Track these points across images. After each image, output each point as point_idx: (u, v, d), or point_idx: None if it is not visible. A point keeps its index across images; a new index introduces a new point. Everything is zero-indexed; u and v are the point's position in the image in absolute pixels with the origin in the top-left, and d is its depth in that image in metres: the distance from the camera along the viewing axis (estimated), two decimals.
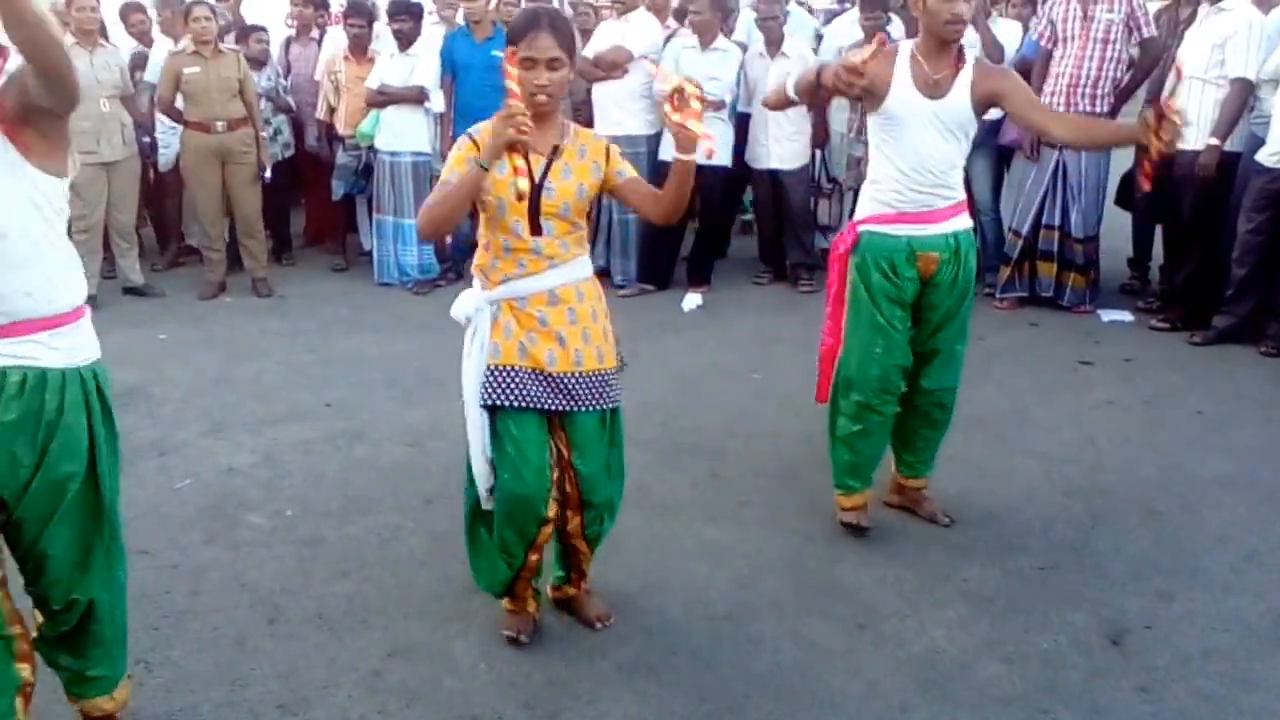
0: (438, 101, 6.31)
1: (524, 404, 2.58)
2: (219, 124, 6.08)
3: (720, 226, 6.75)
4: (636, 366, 5.00)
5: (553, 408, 2.61)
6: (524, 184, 2.47)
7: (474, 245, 2.78)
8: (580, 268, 2.65)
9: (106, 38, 6.19)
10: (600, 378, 2.64)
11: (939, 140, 3.06)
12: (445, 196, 2.48)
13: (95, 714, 2.37)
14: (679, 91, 2.41)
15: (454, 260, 6.52)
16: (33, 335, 2.06)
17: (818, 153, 6.62)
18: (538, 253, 2.56)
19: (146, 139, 6.53)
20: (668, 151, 6.10)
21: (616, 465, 2.80)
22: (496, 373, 2.58)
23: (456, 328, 2.71)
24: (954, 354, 3.31)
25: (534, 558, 2.72)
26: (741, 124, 6.28)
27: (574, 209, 2.57)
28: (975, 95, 3.03)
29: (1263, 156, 4.92)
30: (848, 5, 8.36)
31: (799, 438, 3.51)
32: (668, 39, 6.23)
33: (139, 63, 6.70)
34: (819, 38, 6.74)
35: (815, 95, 3.16)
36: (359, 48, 6.58)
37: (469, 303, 2.63)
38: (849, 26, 6.42)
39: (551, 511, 2.68)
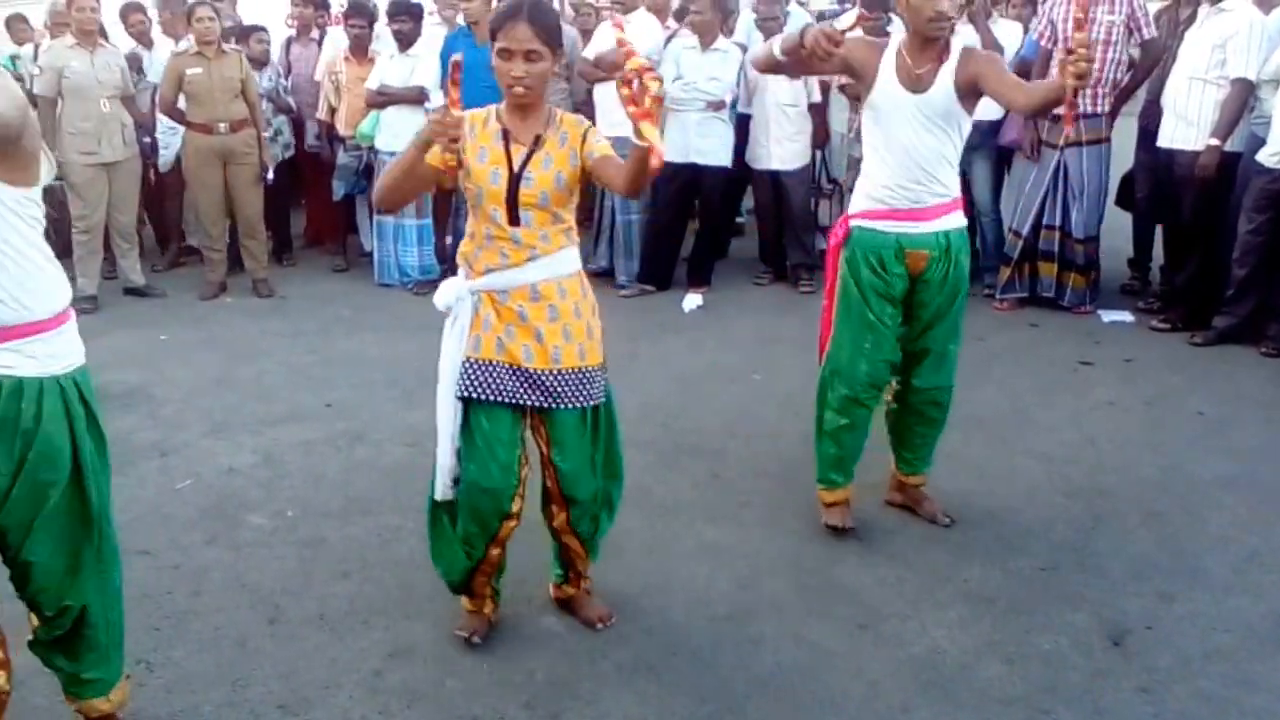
0: (438, 102, 6.31)
1: (498, 398, 2.58)
2: (221, 125, 6.08)
3: (721, 227, 6.76)
4: (637, 367, 5.03)
5: (529, 403, 2.60)
6: (503, 173, 2.47)
7: None
8: (563, 262, 2.61)
9: (106, 38, 6.19)
10: (581, 375, 2.62)
11: (924, 133, 3.04)
12: (388, 169, 2.54)
13: (93, 715, 2.37)
14: (638, 77, 2.13)
15: (454, 260, 6.51)
16: (8, 343, 2.04)
17: (818, 153, 6.63)
18: (518, 242, 2.54)
19: (147, 139, 6.53)
20: (668, 152, 6.11)
21: (609, 463, 2.78)
22: (473, 365, 2.58)
23: None
24: (946, 354, 3.30)
25: (495, 551, 2.71)
26: (742, 125, 6.29)
27: (553, 198, 2.53)
28: (958, 82, 3.00)
29: (1263, 157, 4.92)
30: (848, 5, 8.36)
31: (799, 438, 3.52)
32: (668, 39, 6.23)
33: (133, 64, 6.70)
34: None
35: (798, 56, 3.13)
36: (359, 48, 6.59)
37: (451, 292, 2.63)
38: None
39: (516, 507, 2.67)
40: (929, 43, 3.02)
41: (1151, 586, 3.08)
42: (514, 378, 2.58)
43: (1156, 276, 6.07)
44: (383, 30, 6.70)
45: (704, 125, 6.01)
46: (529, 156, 2.52)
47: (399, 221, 6.37)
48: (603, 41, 6.21)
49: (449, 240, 6.38)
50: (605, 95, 6.16)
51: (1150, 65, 5.62)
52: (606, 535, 2.91)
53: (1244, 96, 5.04)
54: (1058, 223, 5.62)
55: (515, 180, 2.50)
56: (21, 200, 2.03)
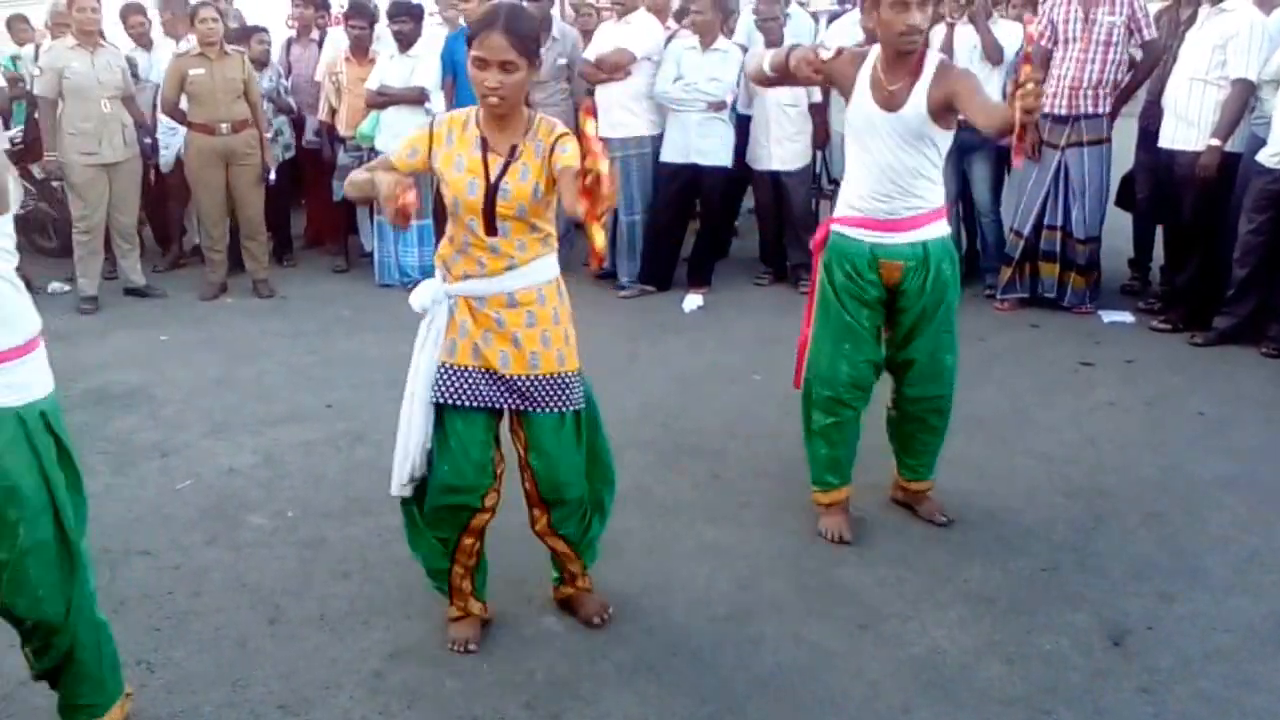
0: (438, 102, 6.31)
1: (474, 404, 2.58)
2: (223, 126, 6.09)
3: (721, 227, 6.76)
4: (637, 367, 5.03)
5: (505, 406, 2.60)
6: (479, 184, 2.46)
7: None
8: (541, 270, 2.58)
9: (104, 39, 6.19)
10: (559, 380, 2.60)
11: (899, 151, 3.02)
12: (357, 184, 2.56)
13: None
14: (597, 180, 2.04)
15: None
16: None
17: (819, 154, 6.63)
18: (495, 251, 2.52)
19: (148, 140, 6.54)
20: (668, 152, 6.15)
21: (596, 467, 2.78)
22: (448, 371, 2.58)
23: None
24: (939, 364, 3.25)
25: (468, 540, 2.70)
26: (742, 125, 6.29)
27: (530, 210, 2.50)
28: (932, 101, 2.96)
29: (1263, 157, 4.92)
30: (848, 6, 8.36)
31: (799, 439, 3.51)
32: (668, 40, 6.23)
33: (129, 67, 6.70)
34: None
35: (786, 74, 3.14)
36: (360, 49, 6.59)
37: (427, 294, 2.61)
38: (850, 28, 6.42)
39: (491, 501, 2.67)
40: (902, 56, 2.98)
41: (1152, 587, 3.08)
42: (490, 382, 2.58)
43: (1157, 277, 6.07)
44: (383, 31, 6.70)
45: (704, 126, 6.01)
46: (505, 167, 2.49)
47: None
48: (603, 42, 6.22)
49: None
50: (608, 96, 6.16)
51: (1150, 66, 5.62)
52: (600, 538, 2.91)
53: (1244, 97, 5.04)
54: (1059, 223, 5.62)
55: (492, 192, 2.48)
56: None
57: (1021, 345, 5.29)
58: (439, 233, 6.51)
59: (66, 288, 6.37)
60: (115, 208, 6.08)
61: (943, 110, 2.96)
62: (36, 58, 6.94)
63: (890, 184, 3.06)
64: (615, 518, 2.96)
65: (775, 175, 6.23)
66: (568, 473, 2.68)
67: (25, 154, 6.91)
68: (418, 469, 2.65)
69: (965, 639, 2.83)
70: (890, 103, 3.00)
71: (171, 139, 6.64)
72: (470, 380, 2.58)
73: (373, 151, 6.43)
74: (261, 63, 6.73)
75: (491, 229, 2.50)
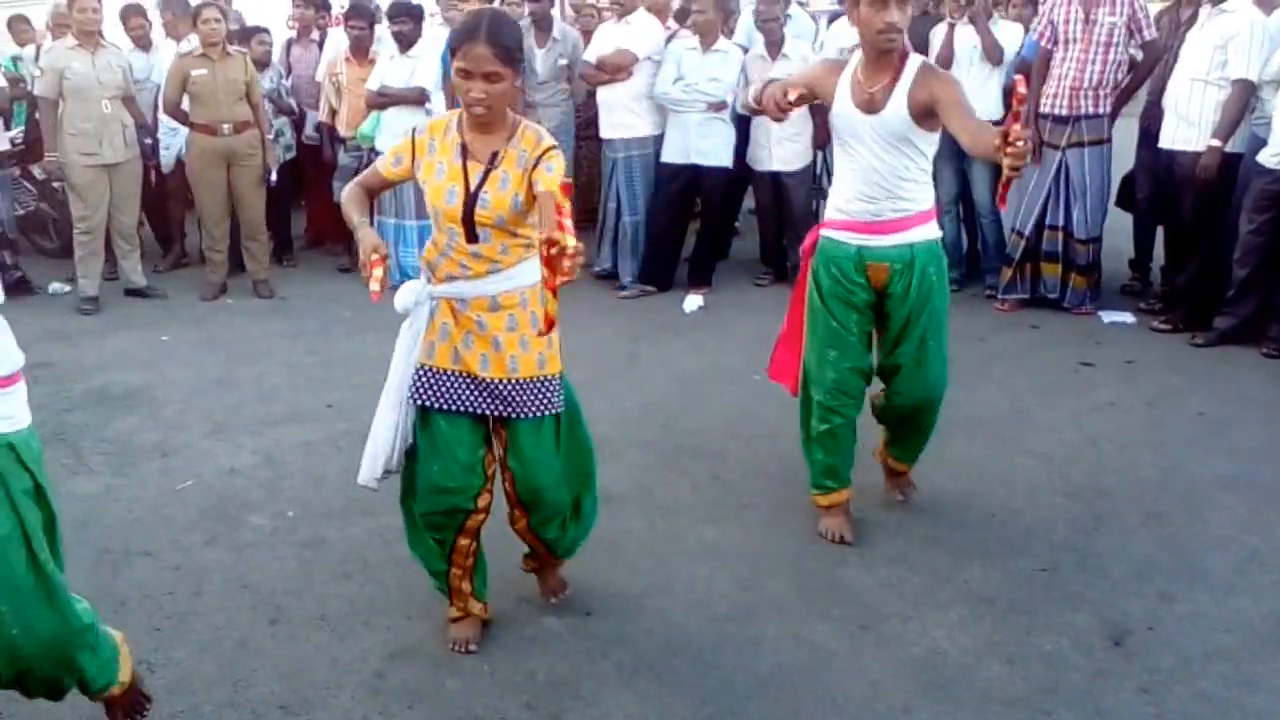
0: (439, 103, 6.32)
1: (452, 408, 2.59)
2: (225, 126, 6.09)
3: (721, 227, 6.76)
4: (638, 368, 5.03)
5: (484, 411, 2.60)
6: (459, 191, 2.46)
7: None
8: (525, 273, 2.57)
9: (104, 39, 6.19)
10: (539, 384, 2.60)
11: (881, 153, 3.02)
12: (346, 212, 2.60)
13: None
14: (562, 254, 1.98)
15: None
16: None
17: (819, 154, 6.62)
18: (478, 256, 2.52)
19: (148, 140, 6.54)
20: (669, 153, 6.15)
21: (578, 470, 2.78)
22: (428, 373, 2.59)
23: None
24: (925, 369, 3.23)
25: (464, 541, 2.71)
26: (743, 126, 6.28)
27: (509, 220, 2.49)
28: (912, 104, 2.94)
29: (1264, 157, 4.92)
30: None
31: (800, 439, 3.52)
32: (668, 40, 6.24)
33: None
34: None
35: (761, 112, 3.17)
36: (360, 49, 6.60)
37: (410, 295, 2.61)
38: (849, 28, 6.41)
39: (484, 502, 2.68)
40: (882, 56, 2.97)
41: (1152, 587, 3.08)
42: (469, 387, 2.58)
43: (1157, 277, 6.07)
44: (383, 31, 6.71)
45: (705, 126, 6.01)
46: (485, 175, 2.49)
47: (400, 222, 6.37)
48: (604, 43, 6.22)
49: None
50: (610, 97, 6.17)
51: (1151, 66, 5.62)
52: (580, 542, 2.91)
53: (1245, 97, 5.04)
54: (1061, 223, 5.62)
55: (471, 200, 2.48)
56: None
57: (1022, 345, 5.29)
58: None
59: (67, 288, 6.37)
60: (116, 208, 6.08)
61: (925, 114, 2.95)
62: (37, 58, 6.95)
63: (874, 186, 3.06)
64: (615, 518, 2.97)
65: (776, 175, 6.23)
66: (544, 476, 2.68)
67: (26, 154, 6.92)
68: (392, 463, 2.68)
69: (965, 639, 2.84)
70: (870, 105, 3.00)
71: (172, 139, 6.65)
72: (449, 384, 2.59)
73: (373, 152, 6.43)
74: (262, 63, 6.73)
75: (472, 236, 2.51)
